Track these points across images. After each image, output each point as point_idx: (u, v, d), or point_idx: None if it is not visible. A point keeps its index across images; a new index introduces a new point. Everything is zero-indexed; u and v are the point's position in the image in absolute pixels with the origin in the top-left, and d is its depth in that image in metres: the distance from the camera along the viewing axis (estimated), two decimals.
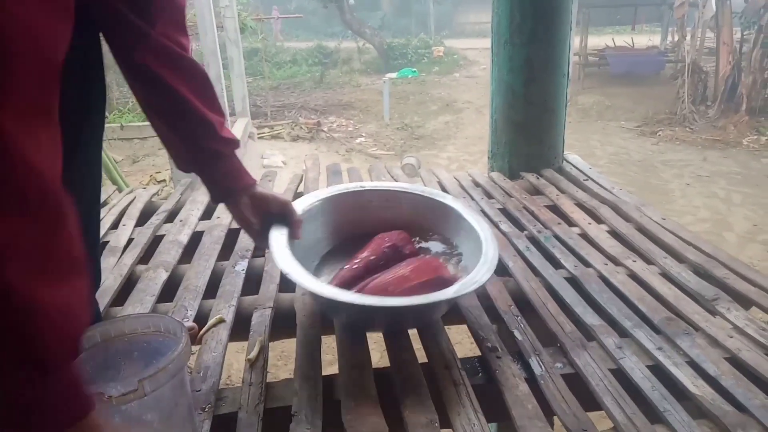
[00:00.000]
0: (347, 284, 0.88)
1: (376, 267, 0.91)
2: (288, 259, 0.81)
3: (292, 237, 0.88)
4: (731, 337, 0.84)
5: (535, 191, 1.53)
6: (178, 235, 1.25)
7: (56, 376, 0.43)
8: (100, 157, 0.77)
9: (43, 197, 0.40)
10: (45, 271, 0.41)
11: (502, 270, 1.08)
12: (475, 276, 0.82)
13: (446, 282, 0.85)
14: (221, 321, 0.90)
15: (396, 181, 1.55)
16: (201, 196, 1.50)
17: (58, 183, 0.42)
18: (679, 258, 1.10)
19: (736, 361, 0.79)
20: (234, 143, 0.78)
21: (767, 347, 0.81)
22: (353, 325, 0.87)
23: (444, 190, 1.50)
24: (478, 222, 0.98)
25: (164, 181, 4.25)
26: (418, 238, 1.04)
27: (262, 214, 0.86)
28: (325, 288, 0.80)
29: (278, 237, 0.86)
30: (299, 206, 0.97)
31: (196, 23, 4.06)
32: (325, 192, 1.07)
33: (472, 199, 1.45)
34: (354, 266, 0.93)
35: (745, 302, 0.95)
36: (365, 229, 1.02)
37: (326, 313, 0.91)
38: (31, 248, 0.40)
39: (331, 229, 1.04)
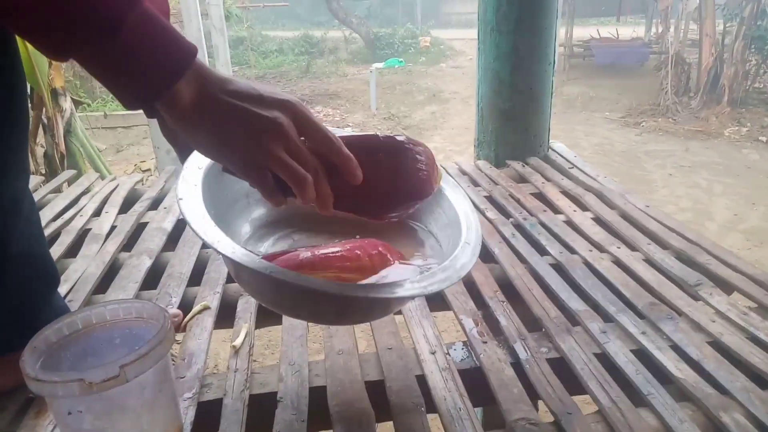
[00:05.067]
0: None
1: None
2: (194, 202, 0.57)
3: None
4: (713, 321, 0.85)
5: (521, 179, 1.53)
6: (162, 222, 1.23)
7: (130, 29, 0.40)
8: (26, 144, 0.69)
9: None
10: None
11: (487, 256, 1.08)
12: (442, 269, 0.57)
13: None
14: (206, 308, 0.89)
15: None
16: None
17: None
18: (662, 244, 1.12)
19: (718, 345, 0.80)
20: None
21: (748, 332, 0.82)
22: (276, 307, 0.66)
23: None
24: (461, 206, 0.69)
25: (149, 170, 4.20)
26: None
27: None
28: (234, 248, 0.53)
29: (194, 168, 0.61)
30: None
31: (180, 10, 4.00)
32: None
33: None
34: (302, 255, 0.59)
35: (727, 288, 0.97)
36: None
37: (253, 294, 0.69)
38: None
39: None
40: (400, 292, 0.53)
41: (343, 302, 0.58)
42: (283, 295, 0.61)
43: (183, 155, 0.61)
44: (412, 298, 0.62)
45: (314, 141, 0.49)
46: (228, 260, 0.56)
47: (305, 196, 0.48)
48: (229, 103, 0.45)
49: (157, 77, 0.43)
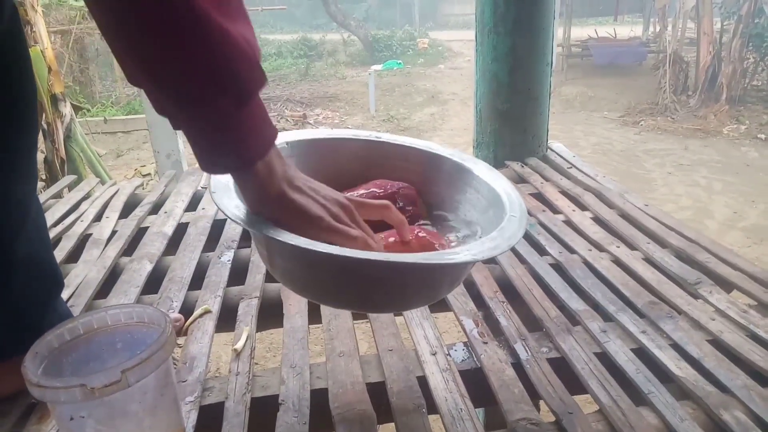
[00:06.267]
0: None
1: None
2: (227, 193, 0.56)
3: None
4: (713, 319, 0.85)
5: (520, 179, 1.53)
6: (163, 226, 1.24)
7: (250, 107, 0.45)
8: (35, 150, 0.71)
9: None
10: (222, 7, 0.41)
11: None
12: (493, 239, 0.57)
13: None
14: (207, 311, 0.89)
15: None
16: (186, 188, 1.48)
17: None
18: (661, 243, 1.12)
19: (718, 343, 0.80)
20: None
21: (748, 329, 0.82)
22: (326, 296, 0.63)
23: None
24: (500, 185, 0.68)
25: (149, 174, 4.20)
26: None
27: None
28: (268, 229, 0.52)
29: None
30: None
31: None
32: (300, 134, 0.72)
33: None
34: None
35: (726, 286, 0.97)
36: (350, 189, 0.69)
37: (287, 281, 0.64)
38: None
39: None
40: (445, 259, 0.53)
41: (382, 272, 0.55)
42: (316, 274, 0.59)
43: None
44: (459, 265, 0.59)
45: (373, 211, 0.57)
46: (262, 243, 0.58)
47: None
48: (304, 178, 0.52)
49: (255, 147, 0.47)
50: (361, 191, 0.67)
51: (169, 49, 0.41)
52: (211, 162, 0.48)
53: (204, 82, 0.42)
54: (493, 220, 0.62)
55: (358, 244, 0.51)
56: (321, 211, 0.51)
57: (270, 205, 0.51)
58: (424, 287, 0.60)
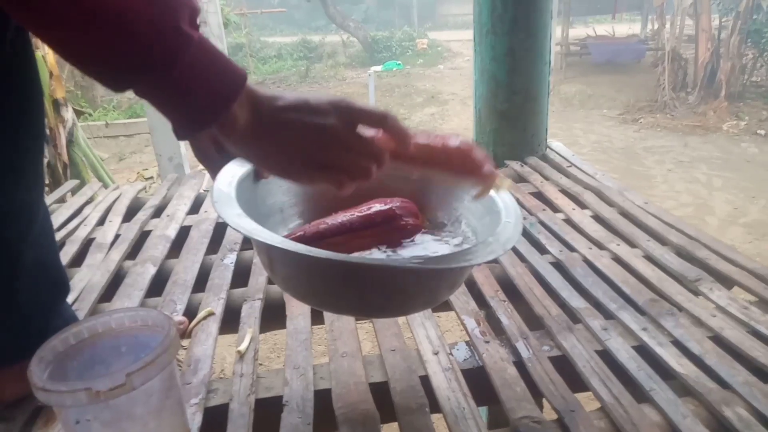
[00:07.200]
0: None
1: (352, 232, 0.65)
2: (228, 197, 0.59)
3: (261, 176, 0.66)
4: (714, 316, 0.85)
5: (520, 179, 1.54)
6: (166, 229, 1.24)
7: (179, 71, 0.42)
8: (42, 155, 0.71)
9: None
10: None
11: None
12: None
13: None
14: (211, 314, 0.90)
15: None
16: (188, 191, 1.49)
17: None
18: (661, 240, 1.12)
19: (719, 340, 0.81)
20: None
21: (749, 325, 0.83)
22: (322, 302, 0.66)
23: None
24: (498, 193, 0.67)
25: (152, 178, 4.21)
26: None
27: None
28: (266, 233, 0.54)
29: (231, 172, 0.63)
30: None
31: None
32: None
33: None
34: (321, 225, 0.65)
35: (727, 282, 0.97)
36: (354, 200, 0.69)
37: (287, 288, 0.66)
38: None
39: (304, 197, 0.73)
40: (440, 264, 0.55)
41: (374, 275, 0.57)
42: (317, 281, 0.60)
43: (214, 174, 0.63)
44: (455, 270, 0.61)
45: (370, 124, 0.52)
46: (263, 250, 0.60)
47: (367, 179, 0.52)
48: (284, 119, 0.48)
49: (213, 103, 0.44)
50: (363, 208, 0.68)
51: (56, 30, 0.39)
52: (180, 125, 0.46)
53: (108, 58, 0.40)
54: (490, 227, 0.64)
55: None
56: (283, 163, 0.50)
57: (242, 152, 0.50)
58: (422, 291, 0.61)
